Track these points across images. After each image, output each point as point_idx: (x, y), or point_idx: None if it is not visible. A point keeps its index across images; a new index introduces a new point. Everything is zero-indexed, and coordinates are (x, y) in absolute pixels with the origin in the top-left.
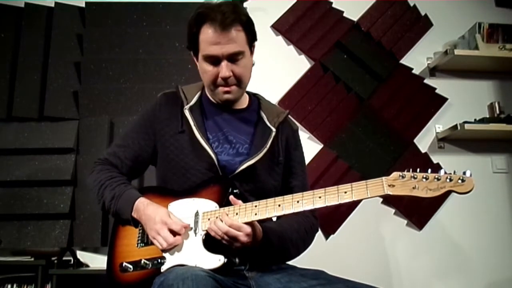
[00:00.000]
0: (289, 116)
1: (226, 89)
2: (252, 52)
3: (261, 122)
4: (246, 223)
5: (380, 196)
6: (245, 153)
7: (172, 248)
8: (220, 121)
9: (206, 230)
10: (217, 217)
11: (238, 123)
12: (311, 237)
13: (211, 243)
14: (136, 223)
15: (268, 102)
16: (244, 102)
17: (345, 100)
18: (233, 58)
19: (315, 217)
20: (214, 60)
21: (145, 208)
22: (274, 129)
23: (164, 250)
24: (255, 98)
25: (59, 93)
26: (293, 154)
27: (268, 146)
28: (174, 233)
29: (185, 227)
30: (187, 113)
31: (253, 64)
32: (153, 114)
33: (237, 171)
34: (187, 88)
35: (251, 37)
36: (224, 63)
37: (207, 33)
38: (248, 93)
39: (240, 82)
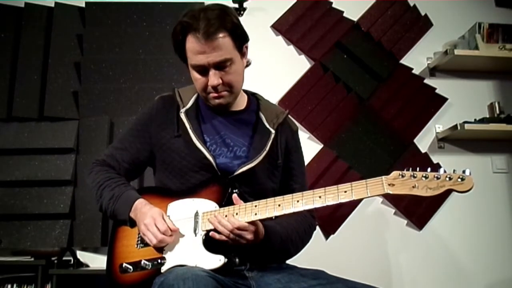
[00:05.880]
0: (289, 116)
1: (217, 95)
2: (244, 54)
3: (260, 124)
4: (249, 222)
5: (380, 195)
6: (244, 156)
7: (164, 246)
8: (217, 124)
9: (206, 230)
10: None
11: (236, 126)
12: (309, 236)
13: (211, 243)
14: (132, 223)
15: (267, 102)
16: (242, 103)
17: (345, 100)
18: (220, 65)
19: (313, 216)
20: (202, 69)
21: (142, 207)
22: (273, 131)
23: (158, 249)
24: (253, 98)
25: (59, 93)
26: (293, 156)
27: (267, 149)
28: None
29: (173, 230)
30: (183, 116)
31: (248, 64)
32: (149, 118)
33: (235, 173)
34: (184, 90)
35: (240, 41)
36: (212, 72)
37: (191, 43)
38: (246, 92)
39: (231, 88)
